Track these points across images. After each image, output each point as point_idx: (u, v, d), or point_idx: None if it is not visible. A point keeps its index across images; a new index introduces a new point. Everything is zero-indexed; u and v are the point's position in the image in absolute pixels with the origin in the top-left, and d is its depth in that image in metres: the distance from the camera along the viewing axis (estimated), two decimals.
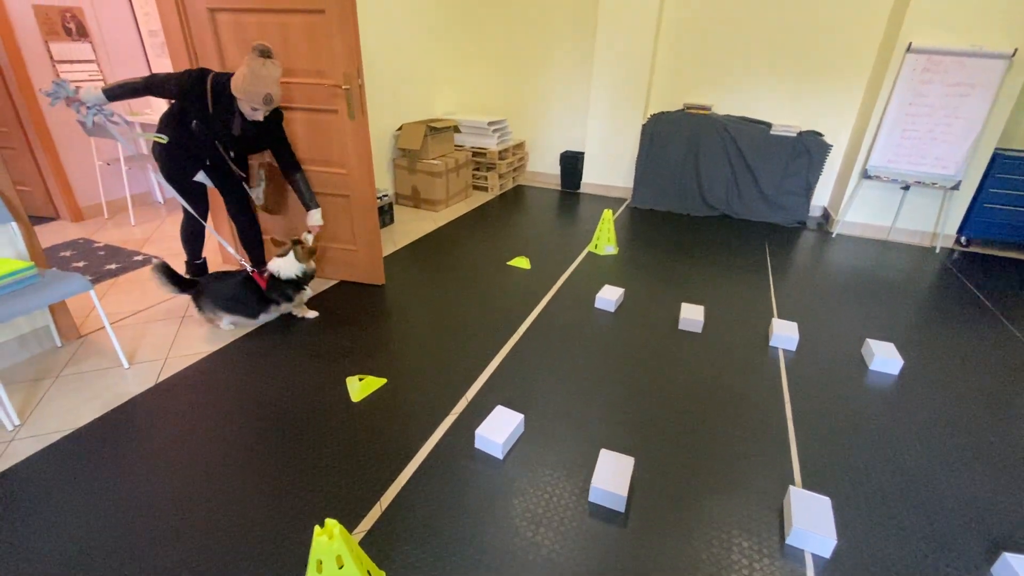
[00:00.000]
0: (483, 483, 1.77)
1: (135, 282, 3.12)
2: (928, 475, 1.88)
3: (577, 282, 3.35)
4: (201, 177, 2.65)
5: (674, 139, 4.81)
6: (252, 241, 2.95)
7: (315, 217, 2.75)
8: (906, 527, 1.67)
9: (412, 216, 4.56)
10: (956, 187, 4.00)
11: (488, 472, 1.82)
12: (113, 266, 3.31)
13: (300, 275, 2.59)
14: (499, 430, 1.91)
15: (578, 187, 5.62)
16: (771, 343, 2.70)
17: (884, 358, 2.49)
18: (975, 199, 4.13)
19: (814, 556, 1.56)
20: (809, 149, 4.41)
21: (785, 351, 2.65)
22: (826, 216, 4.85)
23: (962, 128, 3.87)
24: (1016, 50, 3.63)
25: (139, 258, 3.45)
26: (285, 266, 2.54)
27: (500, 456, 1.88)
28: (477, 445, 1.93)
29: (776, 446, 1.99)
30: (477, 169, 5.40)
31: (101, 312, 2.23)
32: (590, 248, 3.92)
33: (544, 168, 5.95)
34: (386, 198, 4.19)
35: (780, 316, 3.00)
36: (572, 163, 5.50)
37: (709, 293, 3.26)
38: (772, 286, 3.42)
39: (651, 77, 5.00)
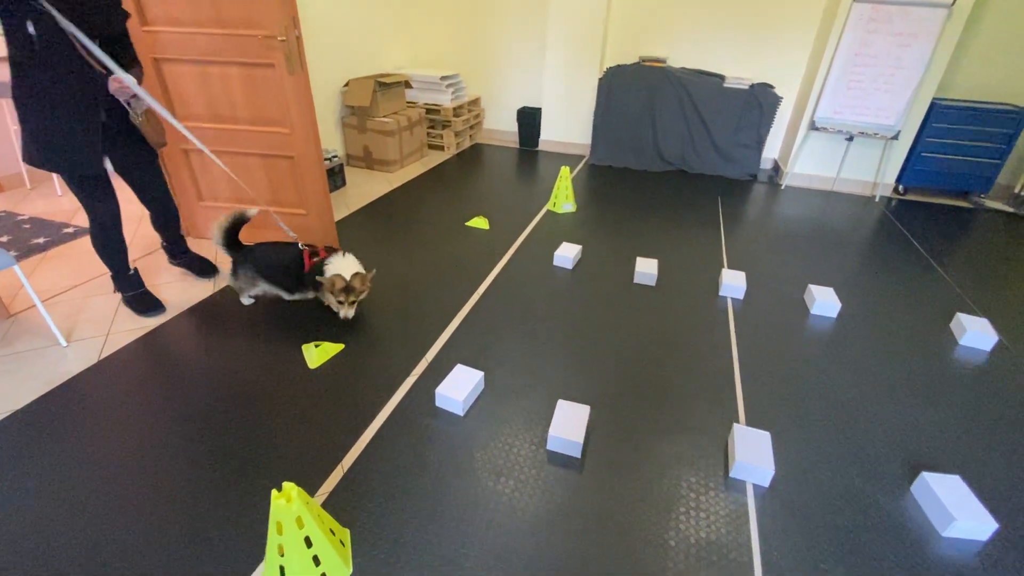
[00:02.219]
0: (444, 440, 1.81)
1: (67, 256, 2.92)
2: (859, 407, 2.04)
3: (536, 241, 3.36)
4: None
5: (631, 93, 4.77)
6: (170, 219, 2.56)
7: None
8: (837, 454, 1.82)
9: (365, 178, 4.41)
10: (896, 137, 4.16)
11: (449, 429, 1.85)
12: (41, 240, 3.08)
13: (345, 282, 2.19)
14: (459, 388, 1.94)
15: (536, 145, 5.54)
16: (721, 292, 2.80)
17: (824, 302, 2.63)
18: (913, 148, 4.32)
19: (754, 486, 1.68)
20: (761, 101, 4.47)
21: (733, 299, 2.76)
22: (776, 169, 4.98)
23: (904, 78, 3.99)
24: (955, 0, 3.72)
25: (70, 230, 3.22)
26: (339, 264, 2.23)
27: (461, 413, 1.92)
28: (438, 404, 1.95)
29: (723, 388, 2.10)
30: (432, 127, 5.23)
31: (29, 289, 2.09)
32: (549, 206, 3.91)
33: (502, 125, 5.82)
34: (336, 159, 4.02)
35: (730, 267, 3.11)
36: (530, 120, 5.40)
37: (664, 247, 3.33)
38: (723, 238, 3.52)
39: (606, 29, 4.89)
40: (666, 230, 3.60)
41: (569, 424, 1.79)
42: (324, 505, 1.56)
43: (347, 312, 2.26)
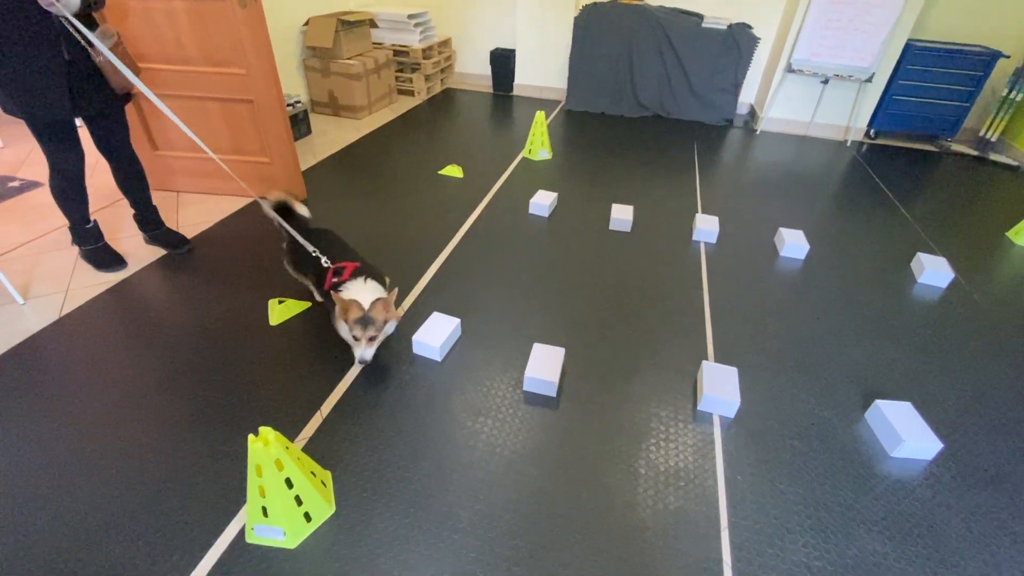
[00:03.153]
0: (423, 384, 1.83)
1: (15, 211, 2.76)
2: (820, 343, 2.13)
3: (511, 188, 3.30)
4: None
5: (608, 34, 4.60)
6: (133, 178, 2.32)
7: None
8: (798, 386, 1.91)
9: (331, 125, 4.22)
10: (870, 79, 4.15)
11: (427, 374, 1.87)
12: None
13: (362, 312, 1.68)
14: (436, 334, 1.95)
15: (511, 89, 5.35)
16: (694, 237, 2.83)
17: (793, 244, 2.69)
18: (885, 92, 4.32)
19: (721, 417, 1.76)
20: (739, 43, 4.37)
21: (706, 244, 2.80)
22: (752, 114, 4.95)
23: (880, 18, 3.93)
24: None
25: (15, 184, 3.03)
26: (359, 289, 1.74)
27: (439, 359, 1.93)
28: (415, 351, 1.96)
29: (694, 328, 2.17)
30: (400, 71, 4.98)
31: None
32: (524, 153, 3.83)
33: (474, 68, 5.58)
34: (299, 105, 3.82)
35: (704, 212, 3.13)
36: (504, 62, 5.18)
37: (639, 193, 3.32)
38: (698, 183, 3.53)
39: None
40: (642, 176, 3.58)
41: (545, 365, 1.82)
42: (304, 449, 1.58)
43: (364, 352, 1.69)
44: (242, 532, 1.34)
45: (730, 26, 4.36)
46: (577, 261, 2.58)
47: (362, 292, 1.72)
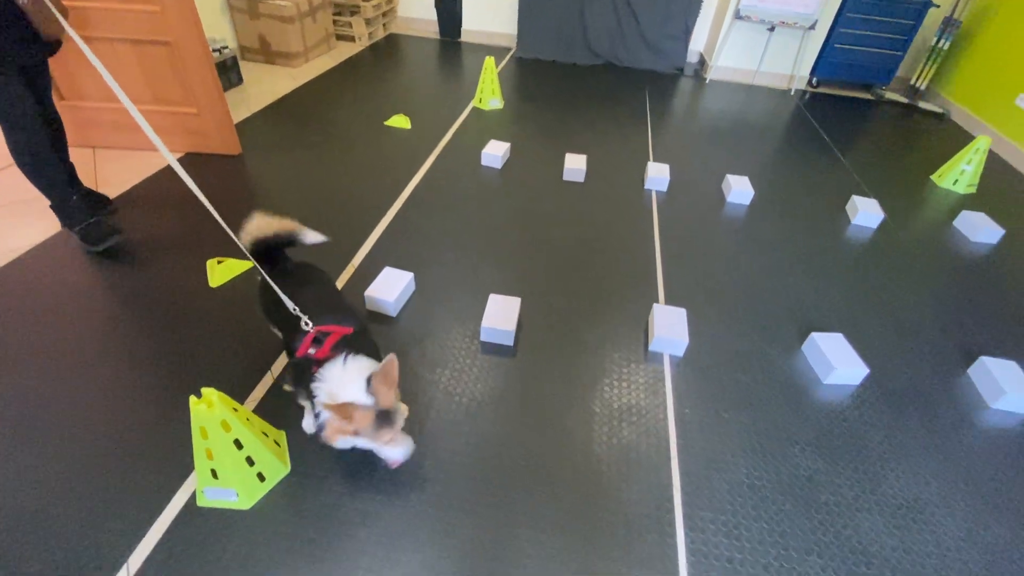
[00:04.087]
0: (378, 339, 1.79)
1: None
2: (764, 282, 2.23)
3: (463, 139, 3.20)
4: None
5: None
6: (55, 137, 2.04)
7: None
8: (742, 323, 2.01)
9: (265, 74, 3.91)
10: (813, 27, 4.21)
11: (383, 329, 1.83)
12: None
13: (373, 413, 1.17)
14: (389, 289, 1.90)
15: (459, 35, 5.10)
16: (646, 186, 2.86)
17: (739, 190, 2.76)
18: (827, 40, 4.40)
19: (671, 356, 1.84)
20: None
21: (658, 192, 2.83)
22: (701, 62, 4.95)
23: None
24: None
25: None
26: (339, 379, 1.17)
27: (393, 314, 1.89)
28: (368, 307, 1.91)
29: (645, 274, 2.21)
30: (338, 14, 4.63)
31: None
32: (474, 103, 3.69)
33: (419, 13, 5.26)
34: (227, 51, 3.50)
35: (656, 160, 3.15)
36: (450, 7, 4.90)
37: (592, 143, 3.29)
38: (650, 132, 3.53)
39: None
40: (595, 125, 3.54)
41: (501, 315, 1.82)
42: (256, 410, 1.53)
43: (404, 449, 1.24)
44: (195, 496, 1.30)
45: None
46: (531, 212, 2.56)
47: (346, 381, 1.16)
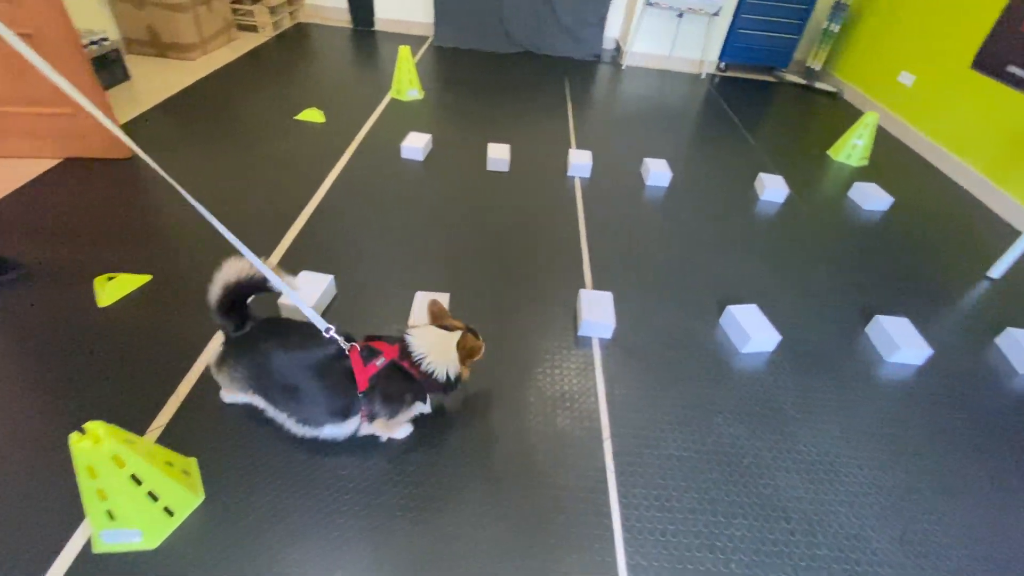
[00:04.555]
0: None
1: None
2: (684, 260, 2.32)
3: (381, 132, 3.08)
4: None
5: None
6: None
7: None
8: (665, 300, 2.07)
9: (157, 68, 3.56)
10: (717, 13, 4.40)
11: None
12: None
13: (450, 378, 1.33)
14: (307, 294, 1.79)
15: (372, 24, 4.90)
16: (569, 172, 2.88)
17: (658, 172, 2.85)
18: (732, 26, 4.63)
19: (600, 340, 1.86)
20: None
21: (581, 178, 2.86)
22: (617, 49, 5.06)
23: None
24: None
25: None
26: (425, 339, 1.30)
27: None
28: (284, 315, 1.80)
29: (572, 260, 2.23)
30: (238, 2, 4.30)
31: None
32: (392, 94, 3.56)
33: (328, 1, 5.00)
34: (107, 43, 3.15)
35: (578, 147, 3.19)
36: None
37: (515, 131, 3.28)
38: (571, 119, 3.57)
39: None
40: (516, 114, 3.53)
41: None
42: (162, 438, 1.39)
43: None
44: (90, 543, 1.17)
45: None
46: (456, 204, 2.51)
47: (432, 337, 1.30)
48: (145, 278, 1.89)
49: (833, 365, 1.89)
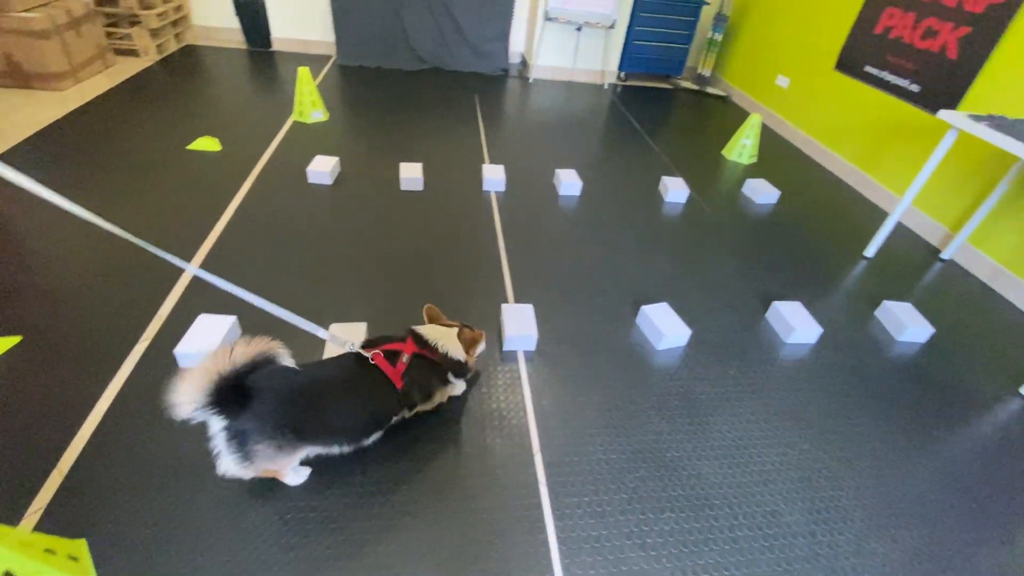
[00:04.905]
0: None
1: None
2: (599, 266, 2.40)
3: (284, 157, 2.94)
4: None
5: None
6: None
7: None
8: (584, 305, 2.13)
9: (20, 100, 3.20)
10: (612, 26, 4.65)
11: None
12: None
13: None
14: (206, 340, 1.67)
15: (269, 44, 4.69)
16: (484, 188, 2.90)
17: (569, 183, 2.94)
18: (627, 37, 4.90)
19: (524, 352, 1.88)
20: None
21: (496, 193, 2.89)
22: (524, 63, 5.19)
23: None
24: None
25: None
26: (437, 333, 1.48)
27: None
28: (182, 364, 1.66)
29: (493, 275, 2.24)
30: (113, 25, 3.96)
31: None
32: (295, 116, 3.42)
33: (218, 21, 4.73)
34: None
35: (491, 162, 3.22)
36: (252, 13, 4.49)
37: (427, 149, 3.26)
38: (483, 134, 3.60)
39: None
40: (428, 131, 3.51)
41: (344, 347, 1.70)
42: (43, 522, 1.23)
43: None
44: None
45: None
46: (370, 227, 2.44)
47: (432, 328, 1.49)
48: (14, 340, 1.67)
49: (740, 352, 2.03)
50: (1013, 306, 2.53)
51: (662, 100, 4.86)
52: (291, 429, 1.17)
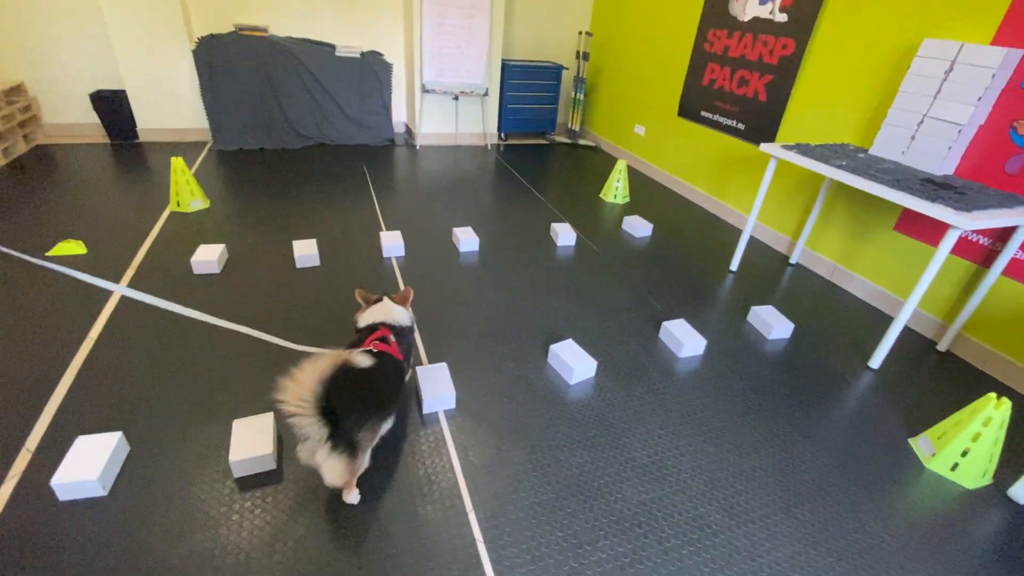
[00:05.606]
0: (89, 536, 1.38)
1: None
2: (506, 313, 2.51)
3: (164, 250, 2.77)
4: None
5: (239, 66, 4.28)
6: None
7: None
8: (496, 354, 2.21)
9: None
10: (486, 94, 5.04)
11: (92, 519, 1.42)
12: None
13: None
14: (89, 465, 1.49)
15: (135, 136, 4.47)
16: (384, 255, 2.94)
17: (466, 239, 3.07)
18: (501, 102, 5.33)
19: (445, 412, 1.90)
20: (375, 69, 4.69)
21: (397, 258, 2.94)
22: (408, 131, 5.41)
23: (477, 44, 4.79)
24: None
25: None
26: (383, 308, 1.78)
27: (103, 492, 1.49)
28: (63, 498, 1.47)
29: None
30: None
31: None
32: (171, 207, 3.26)
33: (74, 117, 4.44)
34: None
35: (387, 228, 3.28)
36: (114, 106, 4.27)
37: (320, 224, 3.24)
38: (376, 203, 3.67)
39: None
40: (319, 206, 3.50)
41: (252, 440, 1.61)
42: None
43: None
44: None
45: (363, 54, 4.62)
46: (267, 309, 2.36)
47: (374, 311, 1.76)
48: None
49: (642, 373, 2.21)
50: (851, 295, 3.02)
51: (541, 154, 5.29)
52: (373, 410, 1.43)
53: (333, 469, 1.32)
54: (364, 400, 1.40)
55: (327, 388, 1.22)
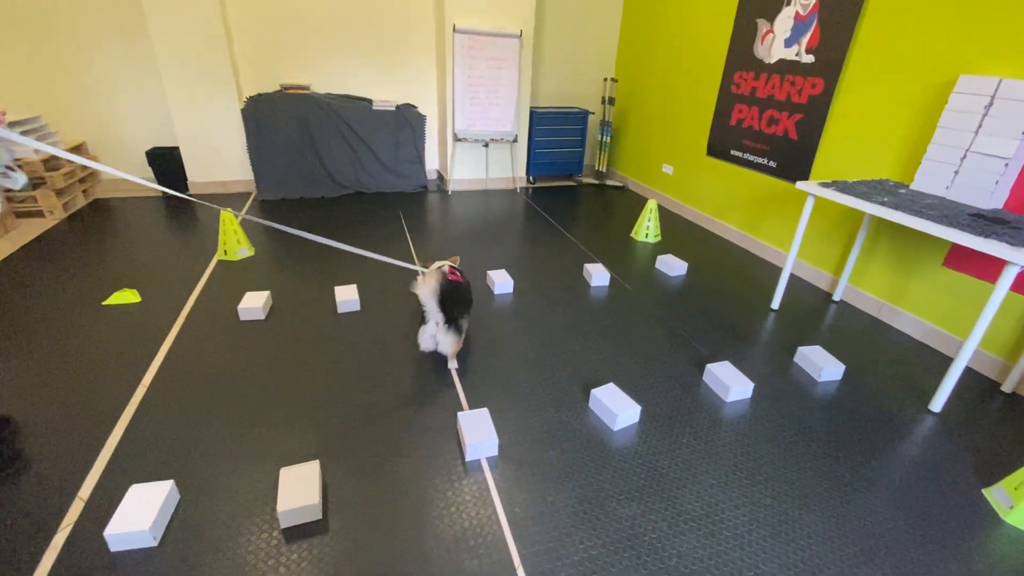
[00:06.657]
0: None
1: None
2: (541, 358, 2.49)
3: (212, 298, 2.88)
4: None
5: (282, 122, 4.55)
6: None
7: None
8: (536, 399, 2.18)
9: None
10: (515, 140, 5.20)
11: (139, 572, 1.42)
12: None
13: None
14: (140, 515, 1.51)
15: (186, 189, 4.74)
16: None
17: (501, 282, 3.10)
18: (529, 147, 5.48)
19: (488, 459, 1.87)
20: (410, 121, 4.91)
21: None
22: (440, 178, 5.59)
23: (506, 93, 4.99)
24: (521, 31, 4.83)
25: None
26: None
27: (154, 543, 1.50)
28: (115, 548, 1.48)
29: (444, 384, 2.25)
30: (10, 190, 3.85)
31: None
32: (219, 256, 3.41)
33: (131, 172, 4.74)
34: None
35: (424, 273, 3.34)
36: (167, 161, 4.57)
37: (359, 270, 3.33)
38: (412, 247, 3.76)
39: (233, 54, 4.50)
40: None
41: (298, 489, 1.61)
42: None
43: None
44: None
45: (398, 107, 4.86)
46: (311, 355, 2.40)
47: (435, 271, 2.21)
48: None
49: (688, 418, 2.14)
50: (901, 332, 2.90)
51: (569, 196, 5.37)
52: (466, 307, 2.35)
53: (448, 341, 2.19)
54: (462, 300, 2.27)
55: (442, 290, 2.07)
